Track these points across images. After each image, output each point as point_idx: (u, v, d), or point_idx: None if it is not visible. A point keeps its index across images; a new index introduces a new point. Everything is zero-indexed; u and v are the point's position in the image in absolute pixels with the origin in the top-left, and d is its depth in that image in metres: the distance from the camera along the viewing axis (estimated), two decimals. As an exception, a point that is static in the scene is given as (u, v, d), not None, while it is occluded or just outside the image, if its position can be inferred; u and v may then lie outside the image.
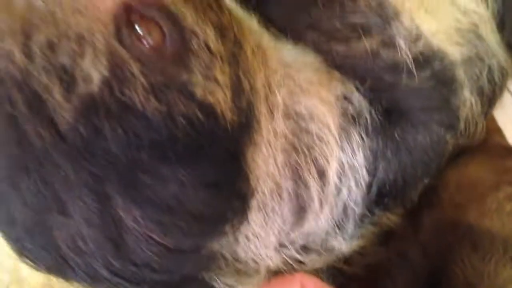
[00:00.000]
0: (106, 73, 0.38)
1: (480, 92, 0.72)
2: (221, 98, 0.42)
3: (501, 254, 0.55)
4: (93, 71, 0.37)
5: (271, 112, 0.47)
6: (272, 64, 0.48)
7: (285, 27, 0.48)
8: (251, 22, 0.48)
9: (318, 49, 0.50)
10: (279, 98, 0.48)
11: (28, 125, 0.37)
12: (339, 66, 0.52)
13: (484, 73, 0.73)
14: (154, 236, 0.41)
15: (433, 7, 0.71)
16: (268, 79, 0.48)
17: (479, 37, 0.74)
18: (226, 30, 0.44)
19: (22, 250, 0.42)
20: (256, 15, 0.47)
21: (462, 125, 0.64)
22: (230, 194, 0.45)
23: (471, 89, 0.70)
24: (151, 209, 0.40)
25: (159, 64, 0.40)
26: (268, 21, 0.47)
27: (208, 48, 0.42)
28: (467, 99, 0.66)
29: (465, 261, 0.54)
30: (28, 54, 0.37)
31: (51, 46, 0.37)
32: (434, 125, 0.57)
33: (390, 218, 0.63)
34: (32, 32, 0.37)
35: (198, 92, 0.41)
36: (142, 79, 0.38)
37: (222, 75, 0.43)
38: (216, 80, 0.42)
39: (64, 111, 0.37)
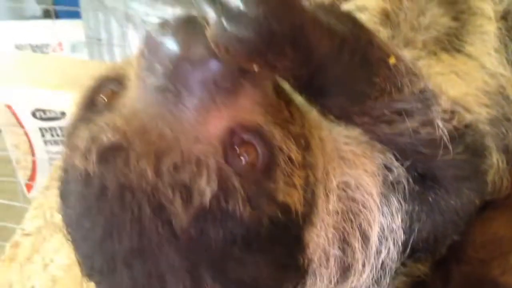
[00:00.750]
0: (215, 188, 0.46)
1: (505, 150, 0.78)
2: (296, 198, 0.50)
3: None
4: (207, 187, 0.46)
5: (327, 196, 0.54)
6: (328, 149, 0.55)
7: (340, 115, 0.54)
8: (313, 114, 0.56)
9: (365, 129, 0.57)
10: (335, 182, 0.55)
11: (150, 225, 0.46)
12: (382, 140, 0.58)
13: (510, 132, 0.79)
14: None
15: (463, 71, 0.78)
16: (326, 166, 0.55)
17: (506, 98, 0.79)
18: (300, 137, 0.52)
19: None
20: (317, 105, 0.53)
21: (490, 184, 0.70)
22: (292, 269, 0.53)
23: (498, 147, 0.75)
24: (231, 285, 0.49)
25: (253, 177, 0.48)
26: (326, 110, 0.54)
27: (291, 160, 0.50)
28: (495, 161, 0.72)
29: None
30: (157, 173, 0.45)
31: (176, 168, 0.46)
32: (465, 191, 0.62)
33: (420, 269, 0.69)
34: (162, 156, 0.46)
35: (280, 196, 0.49)
36: (242, 191, 0.47)
37: (298, 179, 0.51)
38: (294, 185, 0.50)
39: (180, 217, 0.45)
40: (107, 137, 0.46)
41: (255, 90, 0.49)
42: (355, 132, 0.58)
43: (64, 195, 0.53)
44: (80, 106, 0.55)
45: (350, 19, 0.51)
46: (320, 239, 0.54)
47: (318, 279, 0.54)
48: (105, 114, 0.49)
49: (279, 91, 0.53)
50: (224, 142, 0.48)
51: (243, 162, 0.48)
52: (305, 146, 0.53)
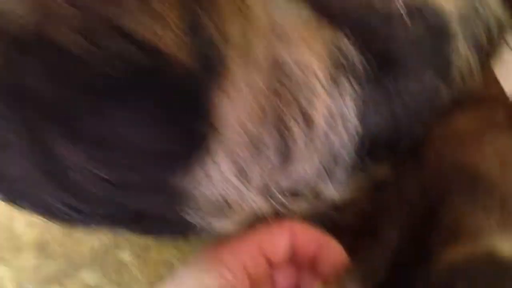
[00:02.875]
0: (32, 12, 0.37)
1: (476, 45, 0.72)
2: (169, 40, 0.41)
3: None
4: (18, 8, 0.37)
5: (246, 63, 0.47)
6: (254, 15, 0.48)
7: None
8: None
9: (311, 3, 0.50)
10: (258, 49, 0.47)
11: None
12: (332, 16, 0.52)
13: (481, 26, 0.73)
14: (97, 172, 0.41)
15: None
16: (246, 28, 0.47)
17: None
18: None
19: None
20: None
21: (457, 76, 0.65)
22: (184, 132, 0.44)
23: (467, 41, 0.70)
24: (91, 147, 0.41)
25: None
26: None
27: None
28: (462, 50, 0.66)
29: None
30: None
31: None
32: (426, 73, 0.58)
33: (383, 169, 0.64)
34: None
35: (137, 32, 0.39)
36: (70, 17, 0.38)
37: (169, 11, 0.41)
38: (162, 19, 0.41)
39: None
40: None
41: None
42: (300, 6, 0.52)
43: None
44: None
45: None
46: (240, 114, 0.47)
47: (242, 163, 0.48)
48: None
49: None
50: None
51: None
52: None
